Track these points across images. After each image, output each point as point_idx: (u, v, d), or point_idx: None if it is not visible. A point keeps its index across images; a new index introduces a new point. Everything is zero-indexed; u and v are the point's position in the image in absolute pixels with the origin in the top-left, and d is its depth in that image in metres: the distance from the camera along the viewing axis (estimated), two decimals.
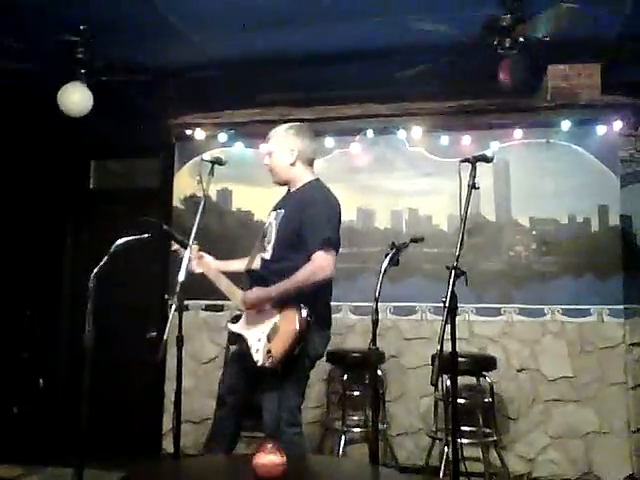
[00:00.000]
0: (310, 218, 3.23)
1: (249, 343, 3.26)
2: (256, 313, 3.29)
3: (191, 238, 3.17)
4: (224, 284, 3.44)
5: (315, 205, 3.28)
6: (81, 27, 4.37)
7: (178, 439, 3.05)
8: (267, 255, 3.37)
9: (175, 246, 3.46)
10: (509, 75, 4.29)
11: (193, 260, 3.37)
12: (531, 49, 4.14)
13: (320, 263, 3.16)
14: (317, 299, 3.25)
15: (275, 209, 3.46)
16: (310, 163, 3.48)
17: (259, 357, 3.18)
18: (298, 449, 3.18)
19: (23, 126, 5.59)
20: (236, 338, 3.41)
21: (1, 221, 5.64)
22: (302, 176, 3.43)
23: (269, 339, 3.19)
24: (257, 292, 3.25)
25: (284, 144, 3.42)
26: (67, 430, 4.06)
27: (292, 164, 3.41)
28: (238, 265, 3.58)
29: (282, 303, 3.21)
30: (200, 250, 3.48)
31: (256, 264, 3.48)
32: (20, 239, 5.77)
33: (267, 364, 3.13)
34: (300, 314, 3.15)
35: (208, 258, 3.53)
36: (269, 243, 3.37)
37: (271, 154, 3.44)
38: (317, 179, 3.46)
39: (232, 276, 3.49)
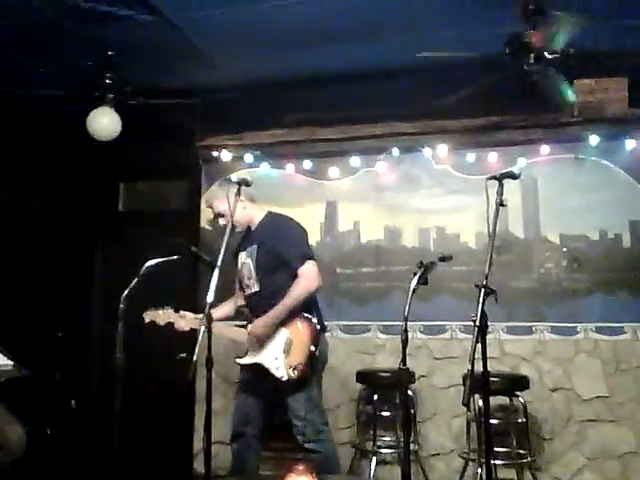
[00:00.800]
0: (285, 239, 3.55)
1: (266, 366, 3.48)
2: (260, 341, 3.52)
3: (219, 259, 3.17)
4: (225, 329, 3.63)
5: (283, 228, 3.61)
6: (109, 53, 4.45)
7: (209, 460, 3.03)
8: (255, 288, 3.61)
9: (148, 319, 3.70)
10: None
11: (179, 322, 3.63)
12: (557, 64, 4.11)
13: (309, 275, 3.46)
14: (312, 306, 3.54)
15: (242, 250, 3.69)
16: (254, 200, 3.73)
17: (283, 373, 3.43)
18: (332, 446, 3.55)
19: (54, 150, 5.69)
20: (250, 369, 3.61)
21: (32, 243, 5.73)
22: (257, 214, 3.70)
23: (286, 354, 3.45)
24: (263, 320, 3.48)
25: (230, 199, 3.43)
26: (99, 450, 4.07)
27: (245, 208, 3.61)
28: (220, 313, 3.71)
29: (284, 320, 3.49)
30: (177, 310, 3.68)
31: (241, 301, 3.78)
32: (51, 261, 5.86)
33: (293, 376, 3.38)
34: (306, 321, 3.48)
35: (190, 315, 3.70)
36: (251, 279, 3.62)
37: (224, 214, 3.57)
38: (269, 211, 3.74)
39: None
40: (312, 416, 3.46)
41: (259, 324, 3.49)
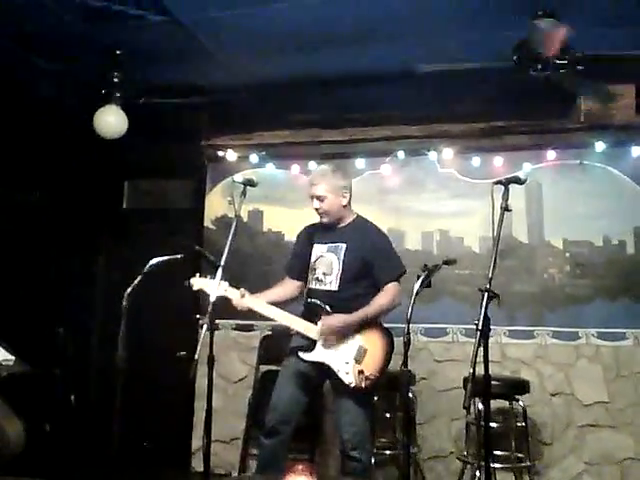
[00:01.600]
0: (382, 252, 3.55)
1: (334, 368, 3.41)
2: (334, 340, 3.43)
3: (223, 259, 3.19)
4: (294, 320, 3.51)
5: (382, 240, 3.63)
6: (117, 51, 4.46)
7: (208, 458, 3.05)
8: (332, 287, 3.53)
9: (197, 286, 3.42)
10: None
11: (237, 301, 3.42)
12: (564, 70, 4.11)
13: (396, 293, 3.47)
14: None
15: (320, 242, 3.62)
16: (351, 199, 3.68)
17: (351, 379, 3.38)
18: (368, 465, 3.49)
19: (59, 148, 5.71)
20: (311, 367, 3.49)
21: (36, 240, 5.75)
22: (349, 212, 3.65)
23: (358, 361, 3.40)
24: (339, 318, 3.41)
25: (336, 187, 3.56)
26: (97, 447, 4.08)
27: (345, 205, 3.60)
28: (274, 296, 3.65)
29: (361, 326, 3.45)
30: (237, 287, 3.45)
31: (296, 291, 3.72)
32: (54, 258, 5.87)
33: (362, 384, 3.34)
34: (385, 333, 3.48)
35: (249, 295, 3.51)
36: (328, 275, 3.54)
37: (323, 199, 3.54)
38: (358, 214, 3.70)
39: None
40: (365, 426, 3.45)
41: (333, 320, 3.41)
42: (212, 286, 3.27)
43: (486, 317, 2.49)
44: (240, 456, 4.77)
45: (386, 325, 4.94)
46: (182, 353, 4.85)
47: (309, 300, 3.55)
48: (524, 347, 4.82)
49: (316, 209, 3.59)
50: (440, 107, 4.86)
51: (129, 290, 3.09)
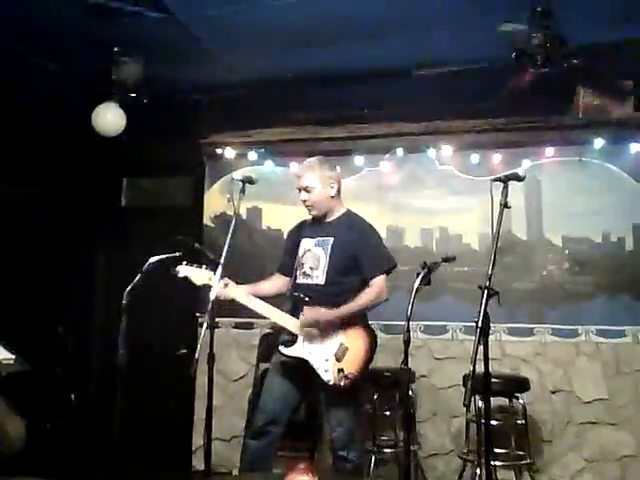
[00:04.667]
0: (369, 246, 3.50)
1: (314, 365, 3.36)
2: (315, 335, 3.38)
3: (222, 256, 3.18)
4: (275, 313, 3.45)
5: (370, 233, 3.58)
6: (115, 49, 4.46)
7: (209, 457, 3.05)
8: (319, 280, 3.47)
9: (200, 282, 3.37)
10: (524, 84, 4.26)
11: (220, 289, 3.30)
12: (562, 67, 4.10)
13: (382, 287, 3.43)
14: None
15: (313, 237, 3.56)
16: (340, 192, 3.64)
17: (330, 377, 3.32)
18: (359, 463, 3.41)
19: (58, 145, 5.70)
20: (292, 363, 3.43)
21: (35, 237, 5.74)
22: (339, 206, 3.61)
23: (338, 359, 3.34)
24: (320, 311, 3.35)
25: (323, 178, 3.54)
26: (98, 445, 4.09)
27: (333, 197, 3.56)
28: (260, 289, 3.59)
29: (344, 323, 3.39)
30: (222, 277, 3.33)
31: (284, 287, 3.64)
32: (53, 256, 5.86)
33: (342, 383, 3.27)
34: (369, 332, 3.43)
35: (233, 285, 3.44)
36: (315, 269, 3.48)
37: (311, 190, 3.51)
38: (349, 209, 3.66)
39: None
40: (355, 426, 3.39)
41: (313, 314, 3.35)
42: (198, 274, 3.28)
43: (486, 314, 2.49)
44: (241, 454, 4.76)
45: (385, 323, 5.01)
46: (182, 351, 4.86)
47: (293, 294, 3.49)
48: (524, 344, 4.82)
49: (303, 201, 3.54)
50: (439, 104, 4.85)
51: (129, 288, 3.08)
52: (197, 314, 4.90)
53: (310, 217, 3.65)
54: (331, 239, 3.50)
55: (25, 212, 5.80)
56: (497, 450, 4.29)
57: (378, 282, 3.44)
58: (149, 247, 3.26)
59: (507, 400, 4.34)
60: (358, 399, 3.49)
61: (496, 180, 2.75)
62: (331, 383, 3.30)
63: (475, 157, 5.08)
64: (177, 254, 3.26)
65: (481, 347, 2.48)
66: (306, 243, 3.58)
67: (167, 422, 5.48)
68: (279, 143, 5.36)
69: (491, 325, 2.51)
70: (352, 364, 3.33)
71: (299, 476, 2.19)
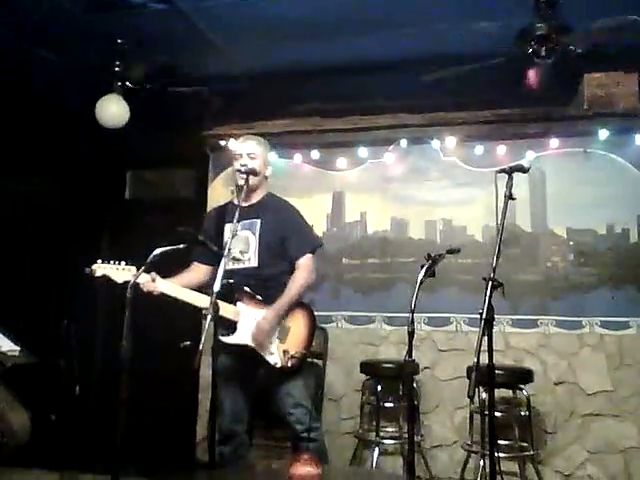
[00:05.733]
0: (294, 225, 3.51)
1: (258, 349, 3.32)
2: (253, 320, 3.32)
3: (226, 248, 3.17)
4: (201, 299, 3.31)
5: (295, 214, 3.58)
6: (119, 40, 4.45)
7: (213, 449, 3.04)
8: (252, 263, 3.42)
9: (121, 279, 3.24)
10: (537, 82, 4.24)
11: (147, 284, 3.24)
12: (567, 57, 4.08)
13: (310, 267, 3.45)
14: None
15: (238, 220, 3.29)
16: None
17: (276, 359, 3.31)
18: (322, 440, 3.42)
19: (62, 138, 5.69)
20: (236, 350, 3.32)
21: (40, 230, 5.75)
22: (263, 190, 3.60)
23: (281, 340, 3.34)
24: (274, 313, 3.33)
25: (265, 156, 3.58)
26: (102, 438, 4.10)
27: (266, 177, 3.59)
28: (184, 281, 3.45)
29: None
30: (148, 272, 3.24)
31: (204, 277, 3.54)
32: (57, 248, 5.87)
33: (288, 364, 3.28)
34: (306, 309, 3.43)
35: (160, 279, 3.31)
36: (246, 253, 3.43)
37: (255, 158, 3.50)
38: (270, 192, 3.63)
39: None
40: (309, 404, 3.38)
41: (269, 317, 3.31)
42: (116, 272, 3.21)
43: (490, 306, 2.49)
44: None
45: (389, 315, 5.01)
46: (186, 343, 4.85)
47: (222, 281, 3.23)
48: (528, 336, 4.82)
49: (243, 165, 3.42)
50: (443, 95, 4.83)
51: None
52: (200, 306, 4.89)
53: (227, 202, 3.61)
54: (258, 220, 3.46)
55: (29, 205, 5.80)
56: (501, 441, 4.28)
57: (306, 262, 3.44)
58: (153, 239, 3.25)
59: (511, 391, 4.35)
60: (307, 377, 3.47)
61: (500, 172, 2.74)
62: (278, 365, 3.30)
63: (479, 148, 5.07)
64: (181, 246, 3.25)
65: (485, 339, 2.47)
66: (232, 227, 3.32)
67: (171, 414, 5.50)
68: (282, 135, 5.34)
69: (495, 317, 2.50)
70: (296, 343, 3.35)
71: (302, 467, 2.20)
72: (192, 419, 5.29)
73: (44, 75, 4.92)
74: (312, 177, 5.38)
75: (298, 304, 3.45)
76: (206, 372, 3.01)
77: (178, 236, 3.27)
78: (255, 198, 3.54)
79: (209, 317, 3.00)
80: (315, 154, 5.39)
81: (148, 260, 3.11)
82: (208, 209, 5.55)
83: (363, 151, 5.29)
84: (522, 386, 4.31)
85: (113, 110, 4.86)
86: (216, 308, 3.01)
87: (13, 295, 5.25)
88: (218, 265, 3.02)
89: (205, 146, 5.62)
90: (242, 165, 3.45)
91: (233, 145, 3.61)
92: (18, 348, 3.85)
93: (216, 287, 3.05)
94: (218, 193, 5.55)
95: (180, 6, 3.96)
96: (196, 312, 4.99)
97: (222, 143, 5.51)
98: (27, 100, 5.19)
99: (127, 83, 4.81)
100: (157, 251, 3.14)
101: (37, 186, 5.85)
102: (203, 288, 3.46)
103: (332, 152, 5.36)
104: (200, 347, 2.91)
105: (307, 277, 3.43)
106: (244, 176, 3.37)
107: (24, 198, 5.77)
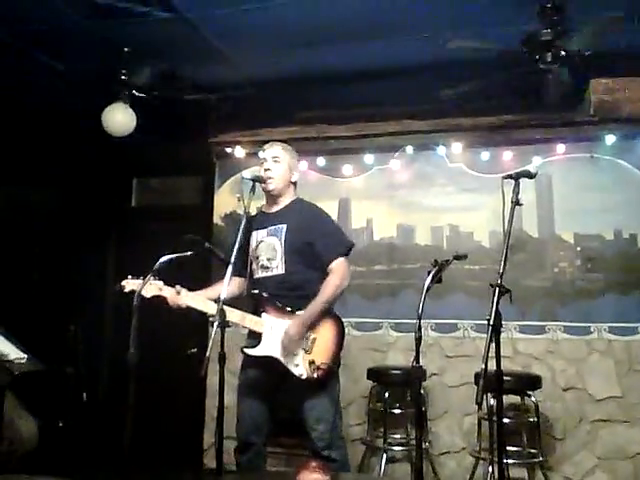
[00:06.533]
0: (323, 228, 3.40)
1: (283, 361, 3.24)
2: (279, 330, 3.26)
3: (233, 255, 3.17)
4: (234, 313, 3.29)
5: (323, 217, 3.48)
6: (125, 49, 4.47)
7: (221, 455, 3.04)
8: (279, 270, 3.34)
9: (150, 294, 3.23)
10: (549, 90, 4.24)
11: (173, 298, 3.25)
12: (573, 63, 4.08)
13: (344, 271, 3.31)
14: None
15: (264, 227, 3.40)
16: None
17: (302, 371, 3.22)
18: (345, 461, 3.29)
19: (68, 146, 5.72)
20: (259, 364, 3.33)
21: (47, 238, 5.77)
22: (292, 193, 3.52)
23: (307, 351, 3.23)
24: (300, 320, 3.23)
25: (291, 161, 3.51)
26: (110, 444, 4.10)
27: (292, 183, 3.50)
28: (214, 294, 3.33)
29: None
30: (173, 285, 3.27)
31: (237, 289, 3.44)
32: (64, 256, 5.89)
33: (315, 375, 3.16)
34: (334, 319, 3.29)
35: (186, 292, 3.32)
36: (273, 260, 3.36)
37: (278, 161, 3.45)
38: (299, 197, 3.55)
39: None
40: (333, 420, 3.25)
41: (297, 324, 3.21)
42: (146, 286, 3.15)
43: (497, 312, 2.48)
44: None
45: (396, 321, 5.00)
46: (193, 350, 4.85)
47: (252, 291, 3.31)
48: (535, 342, 4.80)
49: (266, 170, 3.39)
50: (448, 101, 4.83)
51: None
52: (207, 313, 4.90)
53: (255, 212, 3.50)
54: (284, 225, 3.38)
55: (36, 214, 5.83)
56: (509, 448, 4.27)
57: (339, 266, 3.31)
58: (159, 247, 3.26)
59: (519, 398, 4.34)
60: (334, 391, 3.31)
61: (507, 177, 2.73)
62: (304, 377, 3.20)
63: (485, 154, 5.06)
64: (187, 253, 3.25)
65: (493, 345, 2.46)
66: (257, 235, 3.42)
67: (178, 421, 5.50)
68: (288, 142, 5.32)
69: (503, 323, 2.49)
70: (322, 354, 3.22)
71: (311, 474, 2.19)
72: (199, 426, 5.29)
73: (50, 84, 4.95)
74: (318, 184, 5.38)
75: (327, 313, 3.30)
76: (213, 379, 3.02)
77: (184, 243, 3.28)
78: (282, 204, 3.48)
79: (216, 324, 3.00)
80: (321, 161, 5.39)
81: (155, 267, 3.12)
82: (214, 216, 5.57)
83: (369, 158, 5.29)
84: (530, 392, 4.29)
85: (119, 118, 4.88)
86: (223, 315, 3.02)
87: (20, 303, 5.27)
88: (247, 276, 3.03)
89: (211, 154, 5.63)
90: (266, 170, 3.42)
91: (259, 153, 3.59)
92: (25, 356, 3.85)
93: (223, 295, 3.05)
94: (224, 200, 5.56)
95: (186, 14, 3.98)
96: (204, 320, 5.03)
97: (228, 150, 5.52)
98: (33, 109, 5.22)
99: (133, 91, 4.83)
100: (163, 258, 3.14)
101: (44, 194, 5.88)
102: (239, 299, 3.42)
103: (338, 159, 5.37)
104: (207, 354, 2.91)
105: (339, 281, 3.28)
106: (267, 182, 3.39)
107: (31, 206, 5.80)
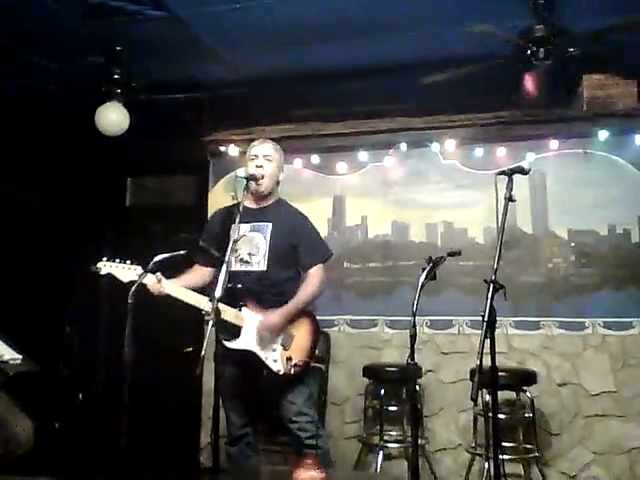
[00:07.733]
0: (308, 234, 3.49)
1: (262, 356, 3.29)
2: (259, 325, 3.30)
3: (227, 254, 3.17)
4: (188, 294, 3.26)
5: (306, 222, 3.54)
6: (117, 48, 4.46)
7: (217, 454, 3.04)
8: (261, 267, 3.36)
9: (126, 279, 3.23)
10: (534, 89, 4.24)
11: (154, 285, 3.21)
12: (566, 59, 4.09)
13: (322, 277, 3.43)
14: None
15: (247, 222, 3.37)
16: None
17: (279, 366, 3.28)
18: (327, 449, 3.39)
19: (62, 146, 5.71)
20: (239, 357, 3.30)
21: (41, 237, 5.75)
22: (274, 195, 3.54)
23: (285, 347, 3.31)
24: (278, 317, 3.30)
25: (280, 161, 3.54)
26: (106, 444, 4.10)
27: (278, 182, 3.53)
28: (193, 280, 3.43)
29: None
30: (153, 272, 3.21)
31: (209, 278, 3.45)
32: (58, 256, 5.87)
33: (291, 371, 3.23)
34: (310, 317, 3.41)
35: (165, 280, 3.27)
36: (255, 255, 3.38)
37: (270, 160, 3.46)
38: (280, 197, 3.59)
39: None
40: (312, 412, 3.39)
41: (275, 320, 3.29)
42: (122, 271, 3.19)
43: (492, 308, 2.48)
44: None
45: (390, 318, 5.01)
46: (188, 349, 4.85)
47: (229, 285, 3.18)
48: (530, 338, 4.81)
49: (258, 167, 3.40)
50: (442, 98, 4.84)
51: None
52: (203, 312, 4.89)
53: (234, 203, 3.39)
54: (269, 224, 3.41)
55: (30, 213, 5.81)
56: (505, 444, 4.29)
57: (317, 272, 3.42)
58: (154, 245, 3.26)
59: (514, 393, 4.34)
60: (311, 385, 3.48)
61: (501, 174, 2.73)
62: (281, 373, 3.27)
63: (479, 151, 5.07)
64: (182, 252, 3.25)
65: (488, 341, 2.46)
66: (241, 228, 3.34)
67: (174, 420, 5.49)
68: (282, 140, 5.30)
69: (497, 319, 2.50)
70: (300, 351, 3.32)
71: (306, 471, 2.19)
72: (195, 424, 5.28)
73: (43, 83, 4.93)
74: (312, 182, 5.38)
75: (303, 312, 3.42)
76: (209, 378, 3.01)
77: (179, 242, 3.27)
78: (266, 202, 3.51)
79: (210, 323, 2.99)
80: (315, 159, 5.39)
81: (148, 267, 3.12)
82: (209, 215, 5.56)
83: (363, 155, 5.29)
84: (526, 388, 4.31)
85: (113, 118, 4.87)
86: (218, 314, 3.01)
87: (14, 303, 5.25)
88: (220, 267, 2.98)
89: (205, 152, 5.62)
90: (257, 166, 3.43)
91: (249, 148, 3.57)
92: (20, 356, 3.84)
93: (218, 293, 3.04)
94: (218, 199, 5.54)
95: (178, 13, 3.97)
96: (199, 318, 5.02)
97: (222, 149, 5.51)
98: (27, 108, 5.21)
99: (126, 90, 4.82)
100: (157, 258, 3.14)
101: (38, 194, 5.86)
102: (206, 289, 3.41)
103: (332, 156, 5.37)
104: (202, 353, 2.90)
105: (317, 288, 3.41)
106: (258, 181, 3.38)
107: (25, 206, 5.78)
